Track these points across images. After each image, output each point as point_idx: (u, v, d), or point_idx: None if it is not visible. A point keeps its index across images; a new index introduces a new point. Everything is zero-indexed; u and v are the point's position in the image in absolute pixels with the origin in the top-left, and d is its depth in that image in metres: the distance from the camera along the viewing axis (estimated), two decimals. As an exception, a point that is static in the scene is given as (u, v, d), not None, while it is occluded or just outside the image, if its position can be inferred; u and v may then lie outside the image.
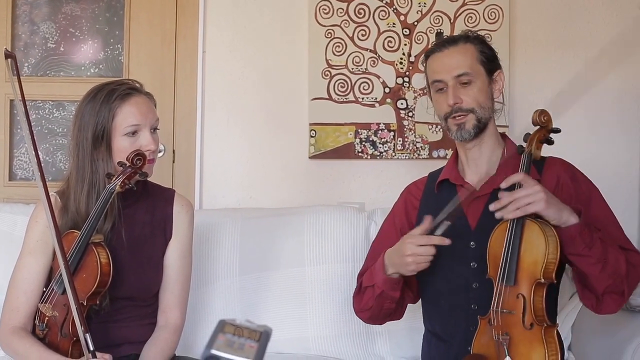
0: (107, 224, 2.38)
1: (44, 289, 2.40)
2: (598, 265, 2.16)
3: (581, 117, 3.55)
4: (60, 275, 2.25)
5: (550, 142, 2.33)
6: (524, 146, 2.31)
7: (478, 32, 2.53)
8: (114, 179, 2.33)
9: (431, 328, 2.56)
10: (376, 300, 2.47)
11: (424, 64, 2.51)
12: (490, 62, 2.43)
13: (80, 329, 2.17)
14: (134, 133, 2.37)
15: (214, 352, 1.24)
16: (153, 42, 3.67)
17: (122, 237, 2.41)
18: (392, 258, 2.38)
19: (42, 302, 2.37)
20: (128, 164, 2.33)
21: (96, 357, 2.16)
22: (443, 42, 2.44)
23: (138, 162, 2.34)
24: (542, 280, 2.15)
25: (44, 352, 2.31)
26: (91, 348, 2.16)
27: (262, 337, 1.29)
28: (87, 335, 2.17)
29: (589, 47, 3.57)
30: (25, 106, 2.29)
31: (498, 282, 2.20)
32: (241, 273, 3.13)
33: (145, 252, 2.47)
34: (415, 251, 2.28)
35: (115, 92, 2.37)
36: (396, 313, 2.57)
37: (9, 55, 2.28)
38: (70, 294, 2.16)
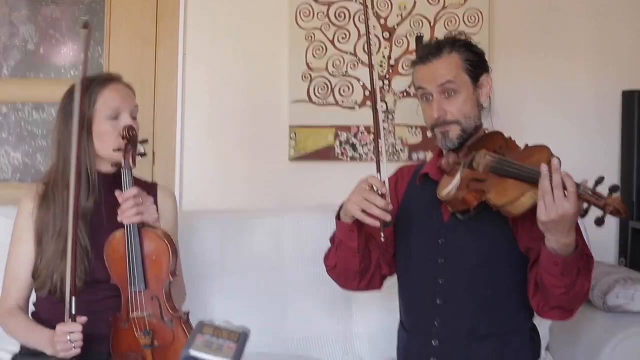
0: (89, 202, 2.45)
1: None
2: (561, 289, 2.16)
3: (560, 120, 3.57)
4: (131, 275, 2.34)
5: None
6: None
7: (463, 35, 2.51)
8: (123, 161, 2.39)
9: (401, 317, 2.58)
10: (338, 253, 2.45)
11: (412, 69, 2.51)
12: (475, 69, 2.42)
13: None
14: (115, 117, 2.44)
15: (192, 352, 1.25)
16: (133, 44, 3.67)
17: (105, 225, 2.44)
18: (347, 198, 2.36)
19: (133, 311, 2.37)
20: (125, 141, 2.39)
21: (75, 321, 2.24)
22: (427, 54, 2.41)
23: (132, 132, 2.39)
24: None
25: (31, 326, 2.44)
26: (73, 312, 2.24)
27: (240, 337, 1.30)
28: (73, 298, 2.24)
29: (568, 51, 3.60)
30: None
31: None
32: (220, 274, 3.13)
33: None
34: (361, 196, 2.26)
35: (94, 80, 2.46)
36: (371, 279, 2.53)
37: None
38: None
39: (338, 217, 2.41)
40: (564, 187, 2.02)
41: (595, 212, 2.03)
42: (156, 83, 3.66)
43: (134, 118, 2.49)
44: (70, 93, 2.44)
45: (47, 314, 2.48)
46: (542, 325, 2.85)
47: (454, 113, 2.37)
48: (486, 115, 2.50)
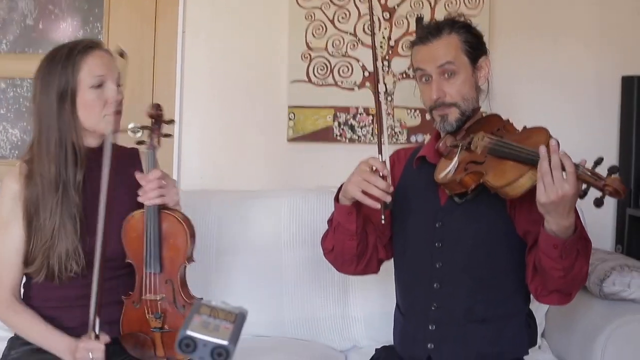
0: (78, 176, 2.36)
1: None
2: (560, 272, 2.16)
3: (559, 104, 3.57)
4: (147, 258, 2.32)
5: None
6: None
7: (462, 17, 2.50)
8: (147, 140, 2.36)
9: (397, 301, 2.58)
10: (335, 235, 2.43)
11: (411, 50, 2.51)
12: (474, 51, 2.40)
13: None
14: (99, 85, 2.35)
15: (189, 333, 1.25)
16: (132, 20, 3.64)
17: (91, 200, 2.35)
18: (346, 180, 2.35)
19: (144, 295, 2.36)
20: (152, 120, 2.37)
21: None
22: (426, 34, 2.40)
23: (159, 111, 2.38)
24: None
25: (43, 328, 2.35)
26: (97, 332, 2.23)
27: (238, 318, 1.29)
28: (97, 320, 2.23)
29: (569, 33, 3.58)
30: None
31: None
32: (218, 255, 3.13)
33: (118, 212, 2.39)
34: (362, 177, 2.25)
35: (75, 48, 2.35)
36: (368, 263, 2.52)
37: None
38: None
39: (337, 199, 2.40)
40: (563, 168, 2.02)
41: (595, 195, 2.02)
42: (155, 60, 3.64)
43: (118, 86, 2.40)
44: (49, 61, 2.36)
45: (39, 301, 2.41)
46: (539, 311, 2.86)
47: (453, 95, 2.36)
48: (484, 98, 2.49)
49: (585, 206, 2.14)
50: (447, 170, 2.29)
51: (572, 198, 2.03)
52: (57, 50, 2.38)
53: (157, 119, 2.39)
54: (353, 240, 2.41)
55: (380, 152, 2.30)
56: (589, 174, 2.02)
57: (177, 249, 2.36)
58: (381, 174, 2.24)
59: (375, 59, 2.42)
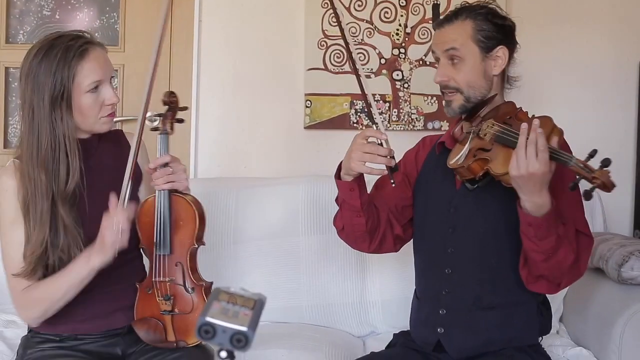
0: (69, 187, 2.30)
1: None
2: (541, 256, 2.17)
3: (576, 90, 3.56)
4: (157, 240, 2.34)
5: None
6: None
7: (492, 4, 2.48)
8: (160, 126, 2.37)
9: (415, 285, 2.59)
10: (342, 214, 2.45)
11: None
12: (489, 40, 2.38)
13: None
14: (96, 88, 2.31)
15: (208, 319, 1.25)
16: (149, 10, 3.65)
17: (94, 187, 2.34)
18: (345, 157, 2.36)
19: (154, 278, 2.37)
20: (166, 106, 2.39)
21: None
22: (441, 20, 2.43)
23: (173, 98, 2.41)
24: None
25: (61, 272, 2.27)
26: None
27: (257, 305, 1.30)
28: None
29: (586, 21, 3.58)
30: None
31: None
32: (235, 242, 3.14)
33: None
34: (361, 151, 2.26)
35: (71, 49, 2.27)
36: (383, 240, 2.51)
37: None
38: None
39: (338, 177, 2.40)
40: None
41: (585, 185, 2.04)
42: (172, 51, 3.65)
43: (111, 80, 2.37)
44: (41, 58, 2.27)
45: None
46: (557, 297, 2.85)
47: (458, 80, 2.36)
48: (504, 88, 2.48)
49: (602, 193, 2.13)
50: (457, 156, 2.30)
51: (542, 176, 2.06)
52: (50, 47, 2.28)
53: (171, 106, 2.41)
54: (361, 216, 2.41)
55: (373, 122, 2.30)
56: (581, 165, 2.03)
57: (186, 231, 2.38)
58: (379, 141, 2.25)
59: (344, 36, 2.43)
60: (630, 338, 2.59)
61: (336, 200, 2.48)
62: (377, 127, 2.29)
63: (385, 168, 2.25)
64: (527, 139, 2.06)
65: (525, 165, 2.04)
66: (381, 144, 2.25)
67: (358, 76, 2.36)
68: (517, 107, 2.38)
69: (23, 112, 2.31)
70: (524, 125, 2.07)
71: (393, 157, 2.25)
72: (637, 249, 2.80)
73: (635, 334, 2.58)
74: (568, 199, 2.23)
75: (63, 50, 2.27)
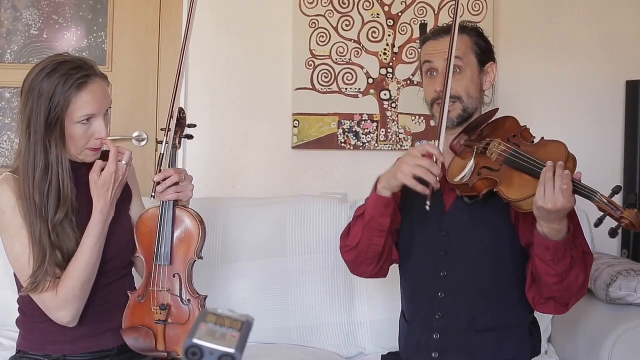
0: (58, 215, 2.31)
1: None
2: (554, 278, 2.17)
3: (563, 110, 3.58)
4: (158, 250, 2.36)
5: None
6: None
7: (476, 24, 2.51)
8: (168, 138, 2.42)
9: (402, 307, 2.58)
10: (364, 231, 2.36)
11: (419, 49, 2.51)
12: (483, 54, 2.43)
13: None
14: (87, 120, 2.30)
15: (195, 341, 1.24)
16: (136, 29, 3.66)
17: (87, 207, 2.34)
18: (386, 172, 2.33)
19: (150, 287, 2.38)
20: (176, 123, 2.44)
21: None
22: (439, 31, 2.43)
23: (182, 114, 2.49)
24: None
25: (76, 253, 2.31)
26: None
27: (244, 326, 1.29)
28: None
29: (572, 42, 3.60)
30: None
31: None
32: (223, 262, 3.13)
33: (114, 215, 2.39)
34: (415, 163, 2.21)
35: (70, 78, 2.28)
36: (383, 265, 2.47)
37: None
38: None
39: (375, 190, 2.35)
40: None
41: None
42: (159, 69, 3.65)
43: (106, 111, 2.37)
44: (42, 78, 2.29)
45: (38, 311, 2.35)
46: (544, 317, 2.85)
47: (458, 89, 2.36)
48: (489, 104, 2.50)
49: (589, 211, 2.15)
50: (463, 173, 2.28)
51: (567, 210, 2.07)
52: (52, 70, 2.30)
53: (179, 122, 2.46)
54: (382, 237, 2.36)
55: (438, 138, 2.27)
56: (606, 202, 2.04)
57: (188, 243, 2.41)
58: (435, 160, 2.21)
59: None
60: (619, 358, 2.59)
61: (356, 216, 2.43)
62: (438, 145, 2.25)
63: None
64: (554, 173, 2.06)
65: (552, 200, 2.04)
66: (436, 162, 2.21)
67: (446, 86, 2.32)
68: (521, 124, 2.37)
69: (22, 127, 2.33)
70: (550, 162, 2.08)
71: (439, 182, 2.21)
72: (624, 269, 2.80)
73: (624, 353, 2.59)
74: (574, 220, 2.24)
75: (63, 77, 2.28)
